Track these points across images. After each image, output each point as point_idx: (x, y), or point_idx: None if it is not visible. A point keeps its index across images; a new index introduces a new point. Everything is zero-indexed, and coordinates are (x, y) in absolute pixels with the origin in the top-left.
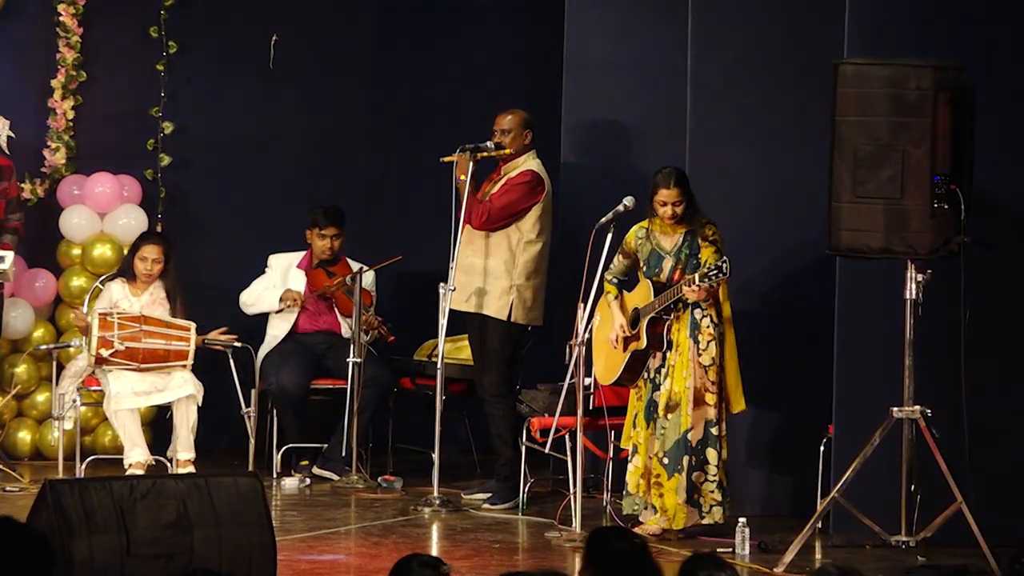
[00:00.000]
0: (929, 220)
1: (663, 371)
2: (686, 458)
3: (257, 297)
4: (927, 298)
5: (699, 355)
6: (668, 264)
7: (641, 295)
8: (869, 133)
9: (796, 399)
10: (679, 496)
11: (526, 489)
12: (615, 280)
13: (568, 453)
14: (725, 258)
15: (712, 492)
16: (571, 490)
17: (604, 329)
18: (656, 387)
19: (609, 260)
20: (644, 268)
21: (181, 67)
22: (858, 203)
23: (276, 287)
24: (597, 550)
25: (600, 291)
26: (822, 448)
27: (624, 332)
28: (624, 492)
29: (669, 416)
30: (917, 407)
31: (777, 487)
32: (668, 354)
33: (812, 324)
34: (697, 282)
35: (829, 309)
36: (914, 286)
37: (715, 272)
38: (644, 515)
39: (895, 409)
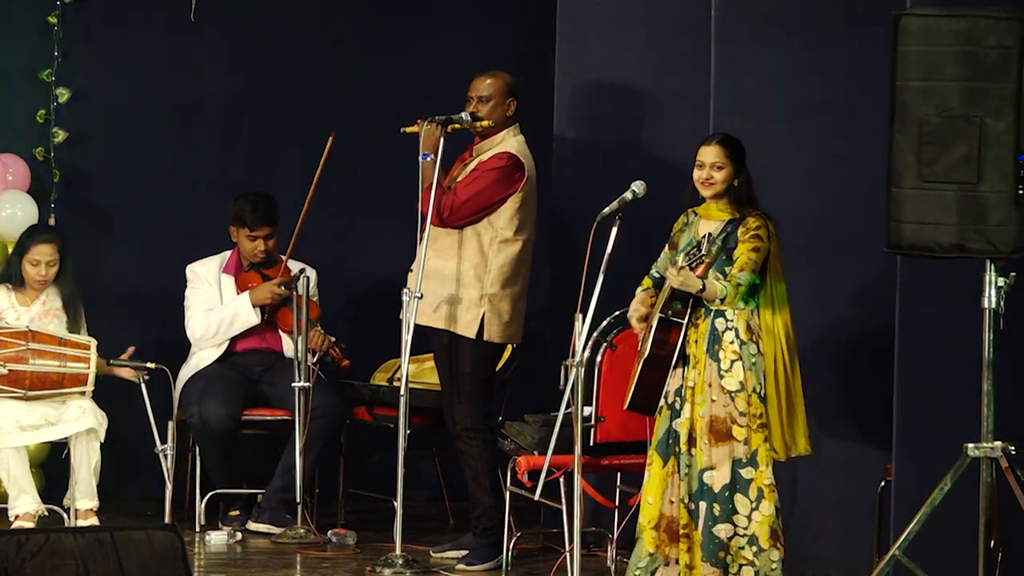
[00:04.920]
0: (1013, 210)
1: (683, 393)
2: (704, 505)
3: (219, 321)
4: (1010, 308)
5: (720, 377)
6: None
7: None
8: (938, 102)
9: (846, 433)
10: (700, 553)
11: (510, 545)
12: (656, 275)
13: (563, 500)
14: (708, 233)
15: (742, 550)
16: (567, 547)
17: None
18: (676, 414)
19: (615, 258)
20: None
21: (79, 18)
22: (924, 189)
23: (221, 300)
24: None
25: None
26: (879, 494)
27: (640, 316)
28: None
29: (693, 452)
30: (998, 443)
31: (823, 542)
32: (686, 372)
33: (865, 340)
34: (680, 263)
35: (887, 321)
36: (994, 292)
37: (695, 250)
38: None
39: (970, 446)
